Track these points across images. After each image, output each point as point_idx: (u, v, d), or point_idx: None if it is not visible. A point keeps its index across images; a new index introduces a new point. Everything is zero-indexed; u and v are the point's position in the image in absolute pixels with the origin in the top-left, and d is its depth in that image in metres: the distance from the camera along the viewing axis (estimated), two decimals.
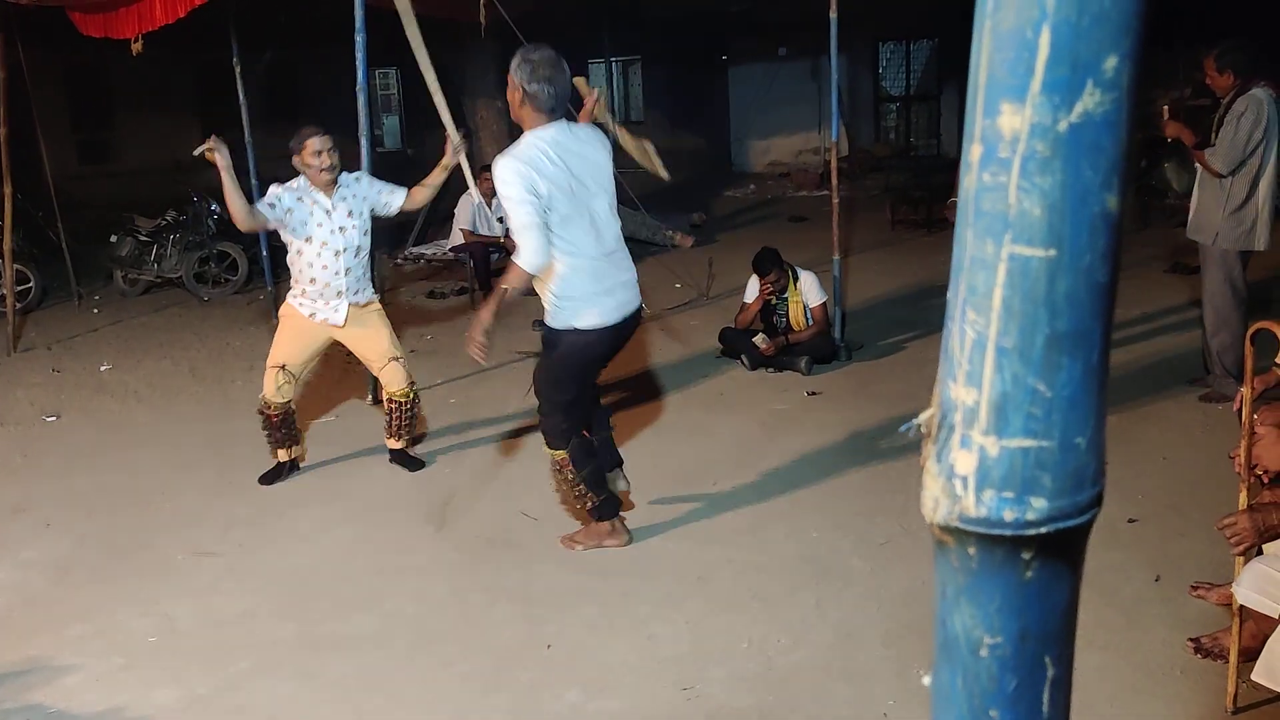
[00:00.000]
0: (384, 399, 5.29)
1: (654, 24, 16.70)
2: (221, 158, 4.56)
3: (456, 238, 9.85)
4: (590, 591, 4.00)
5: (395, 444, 5.37)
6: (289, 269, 5.04)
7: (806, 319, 6.83)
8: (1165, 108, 5.63)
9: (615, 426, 4.70)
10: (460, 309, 9.41)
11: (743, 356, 6.84)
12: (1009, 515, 0.67)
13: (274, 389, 5.07)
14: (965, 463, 0.68)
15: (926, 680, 0.79)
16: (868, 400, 6.08)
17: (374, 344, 5.13)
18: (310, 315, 4.98)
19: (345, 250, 4.94)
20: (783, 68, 17.90)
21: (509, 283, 3.82)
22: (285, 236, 4.91)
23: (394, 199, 5.13)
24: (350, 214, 4.96)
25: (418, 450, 5.54)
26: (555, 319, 3.99)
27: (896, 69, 18.50)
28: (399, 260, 11.09)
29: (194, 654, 3.70)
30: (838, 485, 4.89)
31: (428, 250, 10.88)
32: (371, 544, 4.55)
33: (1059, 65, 0.61)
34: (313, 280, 4.92)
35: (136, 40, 7.99)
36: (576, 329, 3.94)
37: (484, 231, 9.71)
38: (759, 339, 6.77)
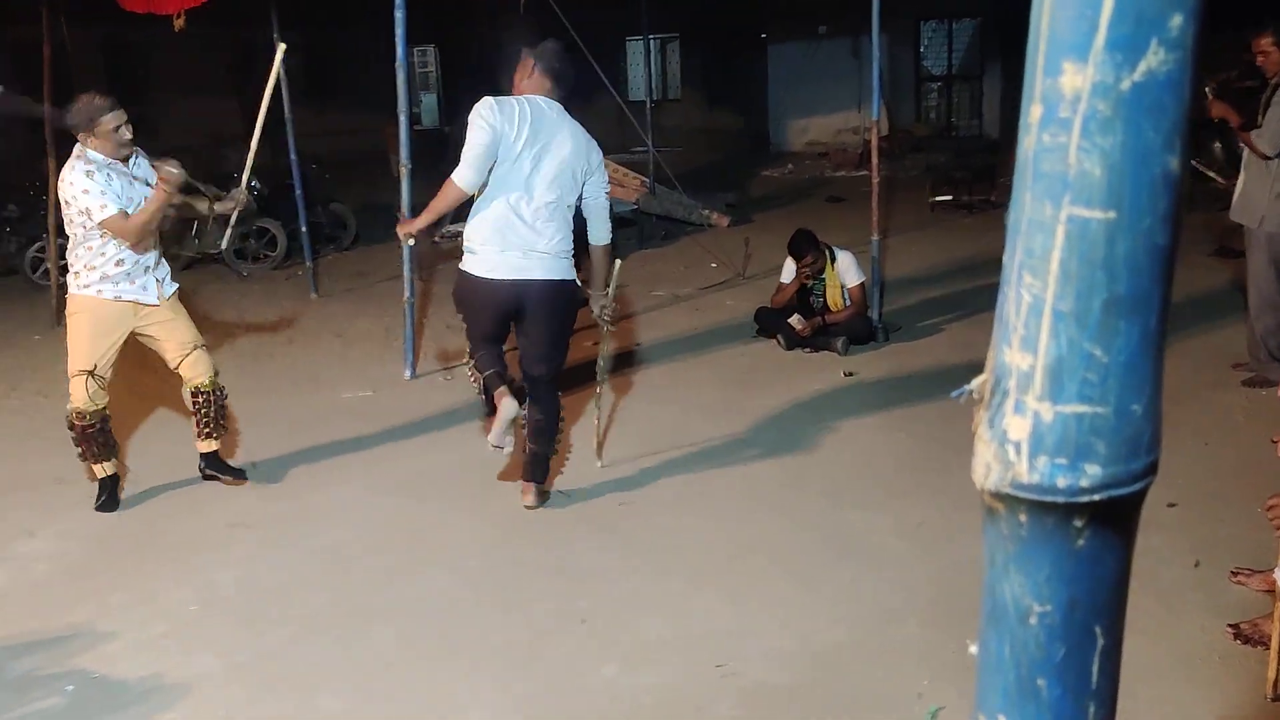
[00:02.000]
0: (187, 394, 4.90)
1: (693, 1, 16.60)
2: (167, 191, 4.38)
3: None
4: (626, 567, 4.02)
5: (206, 446, 4.91)
6: (76, 256, 4.53)
7: (844, 299, 6.79)
8: (1209, 89, 5.54)
9: (564, 420, 4.66)
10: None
11: (779, 337, 6.81)
12: (1062, 482, 0.67)
13: (86, 396, 4.57)
14: (1019, 428, 0.67)
15: (973, 649, 0.78)
16: (905, 382, 6.05)
17: (176, 330, 4.72)
18: (115, 298, 4.52)
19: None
20: (822, 46, 17.75)
21: (441, 196, 4.27)
22: (77, 216, 4.44)
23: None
24: (147, 183, 4.56)
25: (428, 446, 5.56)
26: (464, 258, 4.35)
27: (938, 48, 18.29)
28: (436, 238, 11.12)
29: (234, 623, 3.75)
30: (874, 466, 4.88)
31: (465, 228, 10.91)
32: (407, 517, 4.58)
33: (1123, 22, 0.60)
34: (119, 262, 4.48)
35: (179, 16, 8.04)
36: (466, 271, 4.31)
37: None
38: (795, 319, 6.74)
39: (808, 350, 6.69)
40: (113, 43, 16.53)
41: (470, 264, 4.30)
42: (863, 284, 6.83)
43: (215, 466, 4.97)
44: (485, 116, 4.13)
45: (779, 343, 6.80)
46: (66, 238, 4.58)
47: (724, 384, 6.19)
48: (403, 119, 6.42)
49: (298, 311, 8.69)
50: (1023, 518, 0.70)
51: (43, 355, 7.65)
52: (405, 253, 6.53)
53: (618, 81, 18.76)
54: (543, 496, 4.58)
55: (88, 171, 4.36)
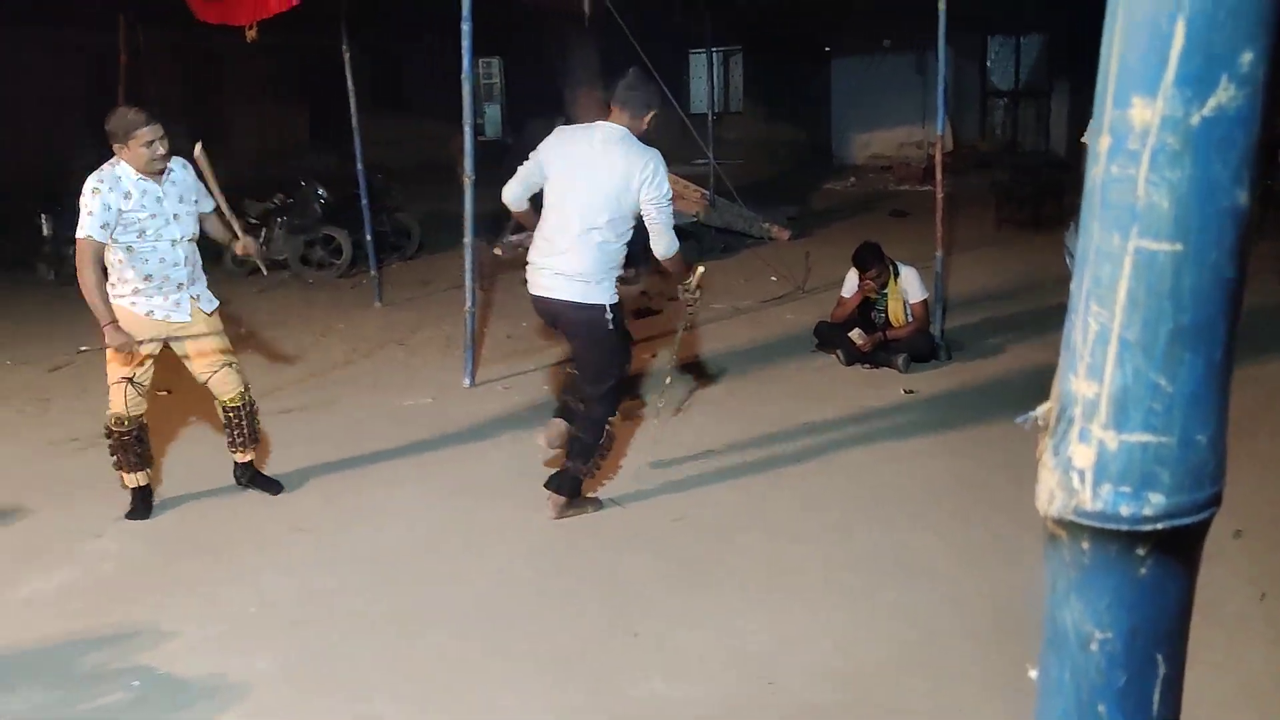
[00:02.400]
0: (219, 408, 4.92)
1: (756, 14, 16.61)
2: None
3: None
4: (675, 581, 4.02)
5: (243, 456, 4.99)
6: (111, 269, 4.54)
7: (906, 316, 6.74)
8: None
9: (607, 440, 4.66)
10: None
11: (838, 351, 6.78)
12: (1125, 510, 0.67)
13: (124, 404, 4.61)
14: (1083, 456, 0.67)
15: (1033, 673, 0.79)
16: (965, 401, 5.98)
17: (206, 347, 4.75)
18: (147, 314, 4.53)
19: (181, 239, 4.56)
20: (887, 59, 17.67)
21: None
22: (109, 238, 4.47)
23: (206, 204, 4.75)
24: (181, 200, 4.57)
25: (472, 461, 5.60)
26: None
27: (1005, 63, 18.11)
28: (497, 248, 11.23)
29: (290, 625, 3.82)
30: (929, 485, 4.83)
31: (527, 239, 11.00)
32: (461, 525, 4.63)
33: (1193, 58, 0.60)
34: (148, 277, 4.49)
35: (251, 28, 8.23)
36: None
37: None
38: (856, 334, 6.71)
39: (867, 366, 6.65)
40: (186, 50, 16.92)
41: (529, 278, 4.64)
42: (925, 300, 6.78)
43: (250, 477, 5.04)
44: (540, 145, 4.54)
45: (838, 358, 6.77)
46: None
47: (781, 398, 6.17)
48: (467, 130, 6.51)
49: (362, 319, 8.83)
50: (1085, 545, 0.70)
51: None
52: (467, 263, 6.61)
53: (680, 94, 18.80)
54: (561, 510, 4.59)
55: (94, 187, 4.34)
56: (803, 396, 6.20)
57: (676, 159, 14.32)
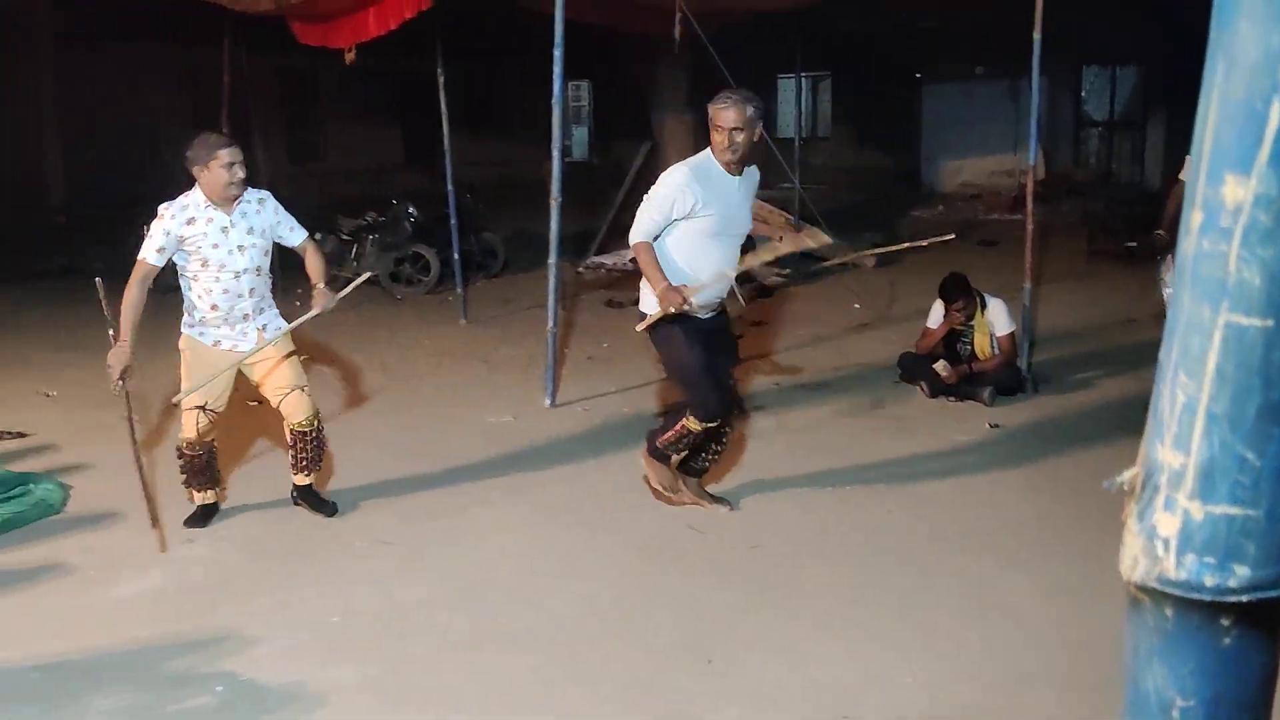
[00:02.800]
0: (287, 430, 4.95)
1: (846, 40, 16.56)
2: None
3: None
4: (751, 608, 4.00)
5: (302, 479, 5.02)
6: (185, 296, 4.65)
7: (992, 348, 6.64)
8: None
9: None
10: (636, 318, 9.53)
11: (922, 383, 6.70)
12: (1210, 581, 0.67)
13: (196, 430, 4.73)
14: (1168, 525, 0.67)
15: None
16: (1052, 437, 5.87)
17: (277, 372, 4.79)
18: (214, 344, 4.63)
19: (245, 271, 4.58)
20: (979, 87, 17.47)
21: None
22: (177, 263, 4.58)
23: (294, 236, 4.85)
24: (250, 231, 4.59)
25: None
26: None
27: (1100, 93, 17.79)
28: (581, 269, 11.35)
29: (371, 636, 3.89)
30: (1014, 522, 4.75)
31: (608, 260, 11.10)
32: (542, 544, 4.67)
33: None
34: (214, 307, 4.55)
35: (350, 50, 8.48)
36: None
37: None
38: (941, 365, 6.62)
39: (952, 399, 6.56)
40: (287, 71, 17.43)
41: None
42: (1013, 333, 6.67)
43: (307, 498, 5.07)
44: (669, 190, 4.49)
45: (922, 389, 6.69)
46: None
47: (863, 429, 6.12)
48: (555, 154, 6.60)
49: (446, 335, 8.98)
50: (1169, 612, 0.70)
51: None
52: (551, 283, 6.69)
53: (767, 119, 18.81)
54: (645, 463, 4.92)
55: (160, 213, 4.47)
56: (884, 428, 6.14)
57: (761, 183, 14.29)
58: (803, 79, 15.32)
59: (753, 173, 4.72)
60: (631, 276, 10.37)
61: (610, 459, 5.72)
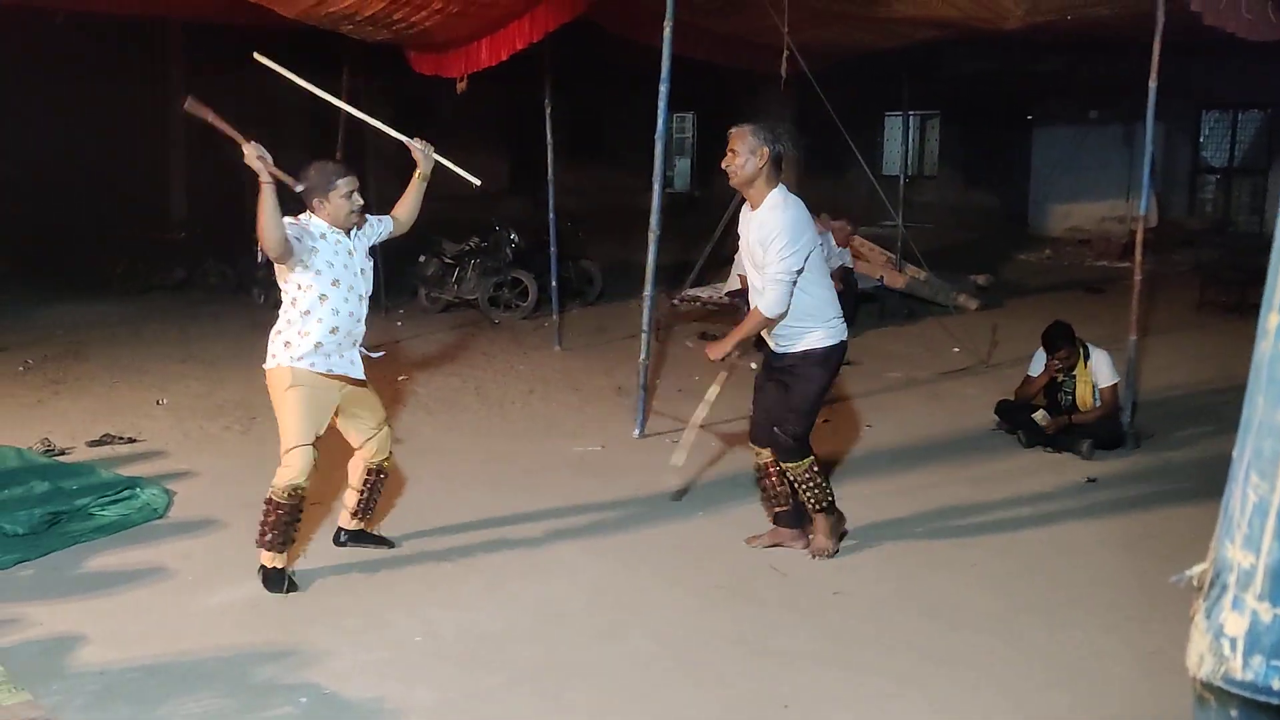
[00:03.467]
0: (359, 469, 4.78)
1: (956, 80, 16.38)
2: (265, 166, 4.10)
3: (734, 283, 10.01)
4: (830, 657, 3.95)
5: (354, 525, 4.87)
6: (289, 323, 4.37)
7: (1094, 399, 6.46)
8: None
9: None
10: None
11: (1020, 432, 6.56)
12: (1277, 684, 0.65)
13: (304, 470, 4.37)
14: (1235, 625, 0.65)
15: None
16: (1152, 495, 5.68)
17: (372, 408, 4.70)
18: (327, 371, 4.40)
19: (365, 294, 4.50)
20: (1092, 130, 17.08)
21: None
22: (293, 281, 4.33)
23: (384, 226, 4.74)
24: (368, 255, 4.56)
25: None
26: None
27: (1219, 139, 17.25)
28: (676, 301, 11.38)
29: (451, 660, 3.93)
30: (1107, 582, 4.59)
31: (704, 293, 11.12)
32: (623, 578, 4.68)
33: None
34: (334, 329, 4.35)
35: (462, 79, 8.69)
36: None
37: None
38: (1039, 415, 6.47)
39: (1049, 450, 6.40)
40: (401, 98, 17.91)
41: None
42: (1115, 385, 6.48)
43: (363, 540, 4.91)
44: (804, 237, 4.48)
45: (1019, 439, 6.54)
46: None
47: (955, 478, 6.00)
48: (656, 186, 6.65)
49: (541, 361, 9.09)
50: (1234, 713, 0.68)
51: None
52: (645, 313, 6.74)
53: (873, 156, 18.69)
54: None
55: (296, 220, 4.33)
56: (977, 476, 6.02)
57: (864, 220, 14.19)
58: (910, 117, 15.21)
59: (762, 214, 4.54)
60: (725, 310, 10.39)
61: (696, 493, 5.71)
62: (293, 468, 4.35)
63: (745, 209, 4.69)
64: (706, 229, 13.66)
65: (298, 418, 4.35)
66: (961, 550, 4.94)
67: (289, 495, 4.39)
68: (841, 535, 4.94)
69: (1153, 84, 6.36)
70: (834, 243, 10.64)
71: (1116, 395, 6.49)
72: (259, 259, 11.84)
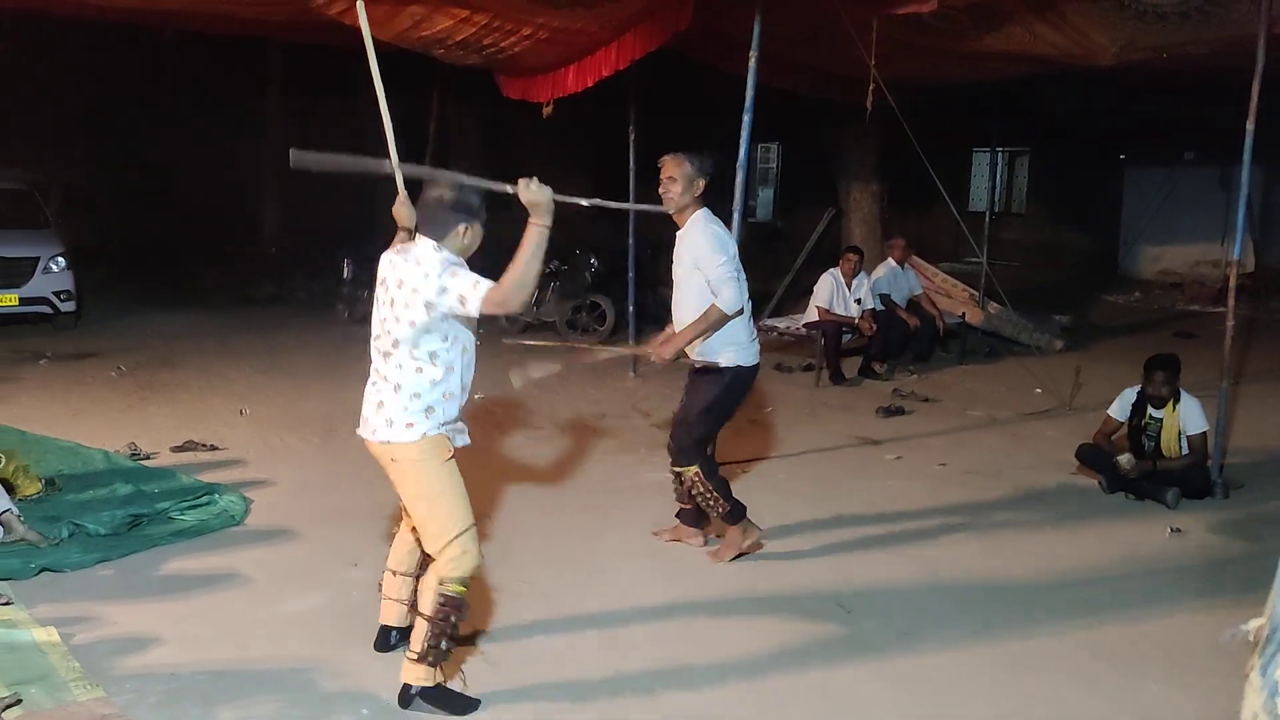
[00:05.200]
0: (419, 576, 3.93)
1: (1047, 117, 16.12)
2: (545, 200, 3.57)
3: (811, 314, 9.95)
4: (894, 703, 3.86)
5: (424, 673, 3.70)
6: (431, 385, 3.64)
7: (1180, 446, 6.26)
8: None
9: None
10: (804, 385, 9.47)
11: (1101, 477, 6.38)
12: None
13: (479, 556, 3.69)
14: None
15: None
16: (1239, 549, 5.48)
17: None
18: (462, 445, 3.83)
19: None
20: (1187, 172, 16.66)
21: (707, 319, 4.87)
22: (440, 332, 3.61)
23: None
24: None
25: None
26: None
27: None
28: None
29: (512, 682, 3.93)
30: (1188, 637, 4.42)
31: (781, 323, 11.06)
32: (684, 610, 4.62)
33: None
34: (464, 387, 3.77)
35: (549, 105, 8.81)
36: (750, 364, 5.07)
37: (840, 311, 9.76)
38: (1124, 459, 6.29)
39: (1131, 496, 6.22)
40: (488, 120, 18.22)
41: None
42: (1205, 433, 6.26)
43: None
44: (730, 248, 4.99)
45: (1100, 484, 6.37)
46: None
47: (1031, 523, 5.85)
48: (736, 215, 6.64)
49: (615, 387, 9.11)
50: None
51: None
52: None
53: (959, 191, 18.45)
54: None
55: (443, 260, 3.58)
56: (1054, 521, 5.86)
57: (947, 256, 13.98)
58: (999, 153, 14.99)
59: (692, 234, 5.03)
60: (802, 342, 10.32)
61: (763, 525, 5.65)
62: (471, 552, 3.63)
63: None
64: (788, 259, 13.63)
65: (460, 493, 3.67)
66: (1037, 598, 4.81)
67: (466, 589, 3.68)
68: (752, 550, 5.18)
69: (1250, 125, 6.19)
70: (912, 279, 10.53)
71: (1206, 443, 6.28)
72: (345, 274, 12.14)
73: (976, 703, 3.86)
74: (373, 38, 4.82)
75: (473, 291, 3.46)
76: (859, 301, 9.84)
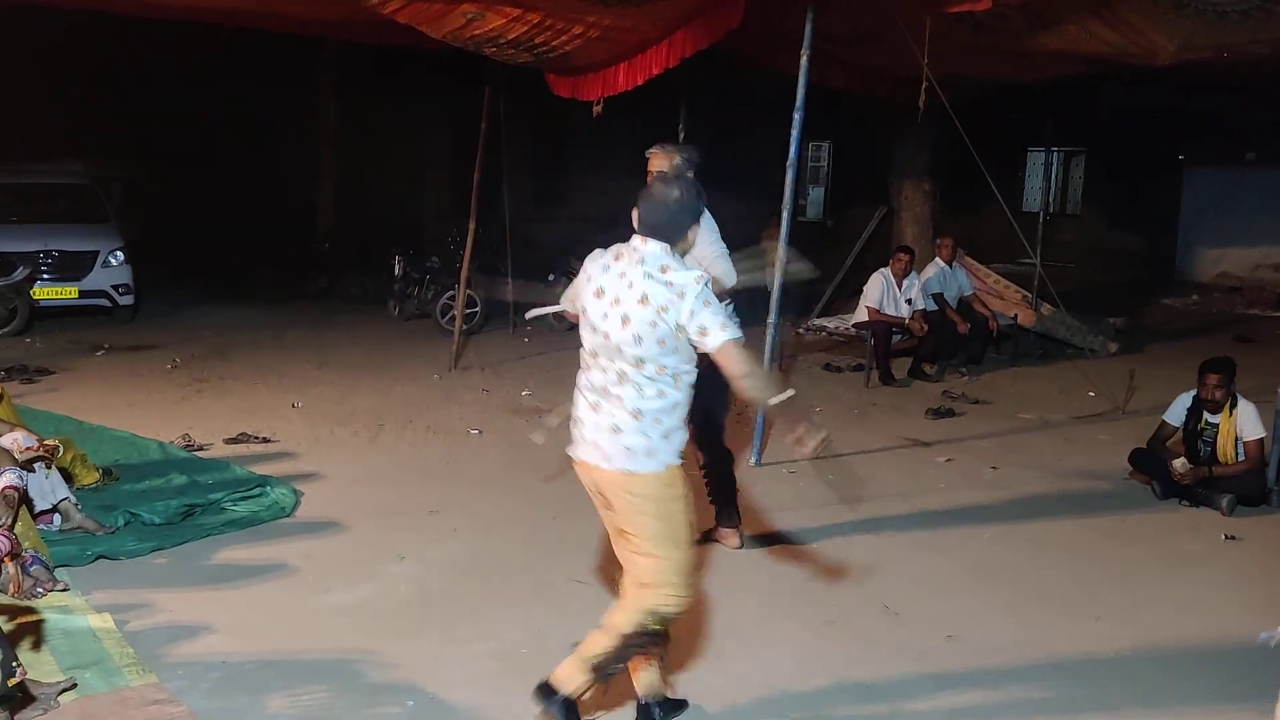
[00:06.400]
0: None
1: (1103, 116, 15.87)
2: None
3: (861, 314, 9.87)
4: (954, 713, 3.83)
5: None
6: (673, 408, 3.40)
7: (1235, 452, 6.13)
8: None
9: None
10: (854, 385, 9.40)
11: (1154, 483, 6.27)
12: None
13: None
14: None
15: None
16: None
17: None
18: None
19: None
20: (1248, 174, 16.31)
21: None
22: (689, 351, 3.31)
23: None
24: None
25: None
26: None
27: None
28: (801, 330, 11.27)
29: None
30: (1240, 649, 4.33)
31: (830, 323, 10.98)
32: (730, 605, 4.60)
33: None
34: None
35: (598, 103, 8.82)
36: None
37: (890, 311, 9.67)
38: (1178, 463, 6.17)
39: (1185, 503, 6.11)
40: (539, 119, 18.26)
41: None
42: (1262, 440, 6.13)
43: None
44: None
45: (1153, 490, 6.26)
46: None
47: (1083, 527, 5.77)
48: (785, 214, 6.62)
49: None
50: None
51: (437, 395, 8.52)
52: (768, 341, 6.69)
53: (1013, 192, 18.21)
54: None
55: (702, 283, 3.22)
56: (1106, 527, 5.78)
57: (1000, 257, 13.81)
58: (1053, 153, 14.79)
59: None
60: (851, 342, 10.25)
61: (810, 526, 5.63)
62: (691, 595, 3.40)
63: None
64: (839, 258, 13.53)
65: (685, 529, 3.40)
66: (1088, 605, 4.74)
67: (670, 623, 3.46)
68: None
69: None
70: (962, 278, 10.42)
71: (1263, 449, 6.15)
72: (397, 271, 12.26)
73: (1022, 708, 3.82)
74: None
75: (719, 333, 3.16)
76: (909, 301, 9.75)
